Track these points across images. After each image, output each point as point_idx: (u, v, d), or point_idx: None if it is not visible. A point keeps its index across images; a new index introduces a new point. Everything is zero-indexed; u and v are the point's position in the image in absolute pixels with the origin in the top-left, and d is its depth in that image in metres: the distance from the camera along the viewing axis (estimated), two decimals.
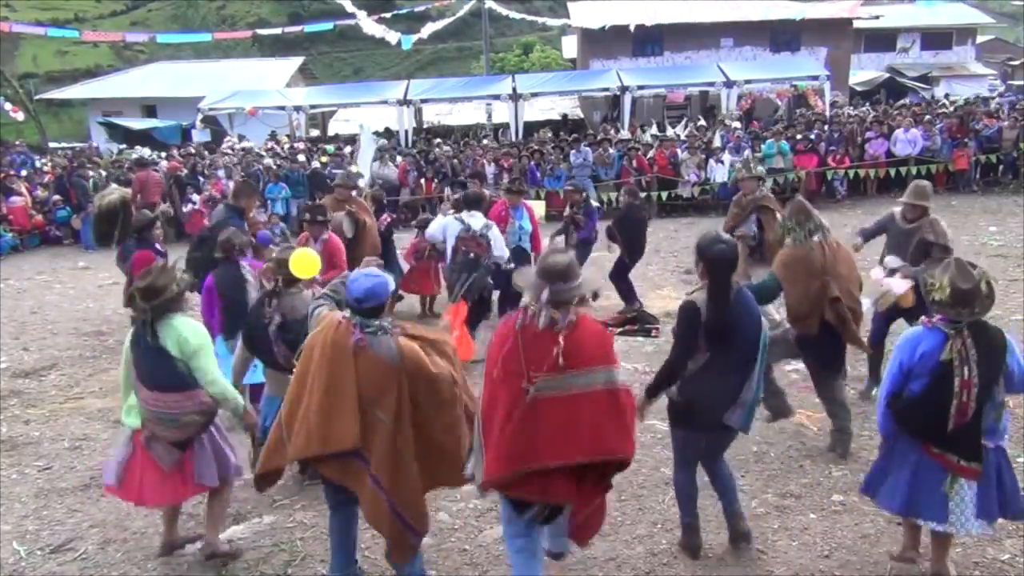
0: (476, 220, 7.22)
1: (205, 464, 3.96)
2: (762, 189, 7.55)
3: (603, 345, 3.22)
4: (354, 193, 8.29)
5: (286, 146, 20.21)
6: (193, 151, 19.25)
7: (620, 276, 8.58)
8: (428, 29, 25.89)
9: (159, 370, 3.81)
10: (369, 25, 24.10)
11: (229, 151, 19.45)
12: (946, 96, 23.30)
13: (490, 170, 16.30)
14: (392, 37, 24.51)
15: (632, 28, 24.89)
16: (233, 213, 6.68)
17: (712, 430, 3.83)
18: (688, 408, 3.78)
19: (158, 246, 7.25)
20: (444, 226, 7.43)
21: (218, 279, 5.55)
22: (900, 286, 5.29)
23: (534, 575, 3.36)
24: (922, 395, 3.48)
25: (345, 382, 3.35)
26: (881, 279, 5.53)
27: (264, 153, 18.87)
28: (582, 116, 26.64)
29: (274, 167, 16.31)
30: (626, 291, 8.62)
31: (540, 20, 31.15)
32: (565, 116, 26.49)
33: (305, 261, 4.56)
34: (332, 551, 3.78)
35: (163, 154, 19.36)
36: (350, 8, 23.51)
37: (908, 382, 3.53)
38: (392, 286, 3.56)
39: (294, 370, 3.58)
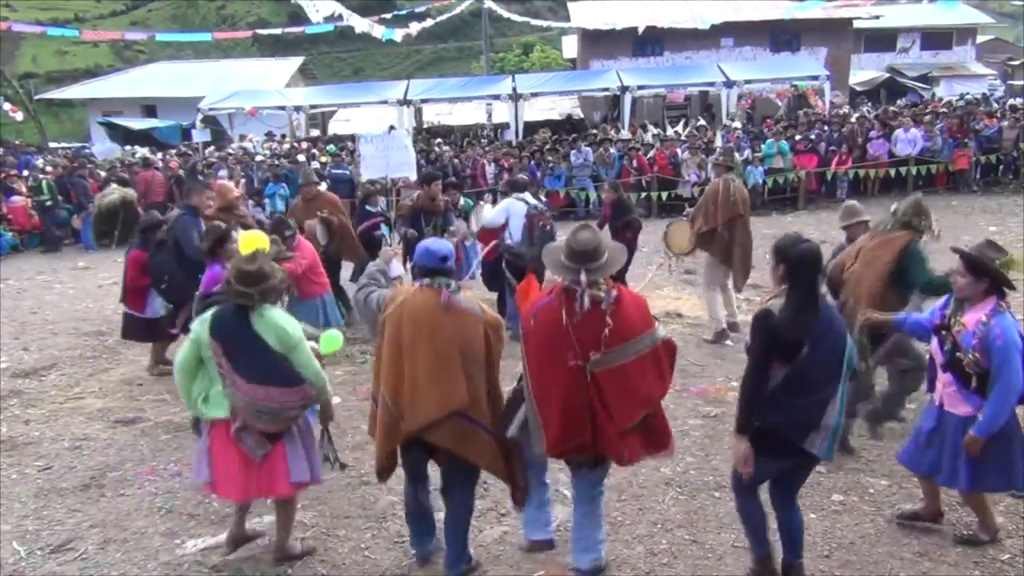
0: (532, 199, 7.80)
1: (298, 458, 3.90)
2: (732, 177, 7.60)
3: (644, 312, 3.43)
4: (324, 187, 8.44)
5: (285, 145, 20.22)
6: (186, 150, 19.27)
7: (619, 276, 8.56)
8: (417, 27, 25.79)
9: (263, 364, 3.73)
10: (357, 21, 24.03)
11: (231, 151, 19.48)
12: (962, 96, 23.25)
13: (490, 170, 16.32)
14: (378, 31, 24.46)
15: (640, 31, 24.82)
16: (188, 212, 6.72)
17: (790, 457, 3.44)
18: (765, 431, 3.40)
19: None
20: (506, 208, 7.66)
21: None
22: None
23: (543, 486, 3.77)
24: None
25: (447, 342, 3.52)
26: None
27: (260, 151, 18.90)
28: (582, 116, 26.65)
29: (269, 163, 16.32)
30: None
31: (544, 23, 31.17)
32: (570, 116, 26.45)
33: (250, 243, 4.68)
34: (412, 531, 3.97)
35: (162, 155, 19.37)
36: (339, 8, 23.40)
37: None
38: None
39: (380, 351, 3.67)
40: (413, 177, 13.27)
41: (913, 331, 4.21)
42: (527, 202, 7.66)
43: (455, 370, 3.51)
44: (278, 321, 3.80)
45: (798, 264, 3.33)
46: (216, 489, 3.96)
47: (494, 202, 9.72)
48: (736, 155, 9.62)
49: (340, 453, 5.39)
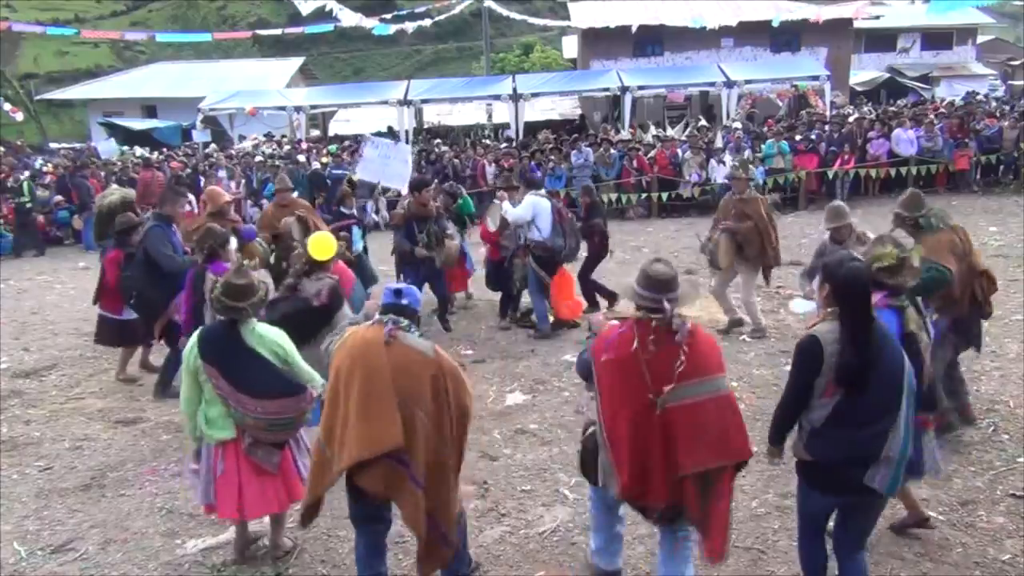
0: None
1: (304, 456, 3.98)
2: (751, 191, 7.74)
3: (717, 352, 3.33)
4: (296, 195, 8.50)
5: (286, 147, 20.24)
6: (190, 151, 19.31)
7: (585, 276, 8.64)
8: (412, 25, 25.88)
9: (269, 378, 3.80)
10: (347, 16, 24.05)
11: (234, 152, 19.52)
12: (967, 95, 23.16)
13: (490, 170, 16.33)
14: (369, 24, 24.48)
15: (634, 29, 24.85)
16: (161, 222, 6.50)
17: (850, 493, 3.17)
18: (823, 469, 3.19)
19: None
20: (532, 205, 7.68)
21: (195, 277, 5.57)
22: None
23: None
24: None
25: (381, 378, 3.26)
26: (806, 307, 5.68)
27: (260, 152, 18.92)
28: (583, 116, 26.67)
29: (268, 163, 16.33)
30: (591, 291, 8.62)
31: (541, 22, 31.18)
32: (582, 116, 26.39)
33: (321, 243, 5.00)
34: (359, 571, 3.62)
35: (155, 153, 19.40)
36: (329, 2, 23.39)
37: None
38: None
39: (325, 392, 3.49)
40: (404, 191, 13.28)
41: None
42: (549, 199, 7.84)
43: (388, 409, 3.23)
44: (271, 336, 3.87)
45: (846, 286, 3.11)
46: (226, 512, 3.94)
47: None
48: (752, 168, 9.75)
49: None
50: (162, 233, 6.37)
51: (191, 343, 3.89)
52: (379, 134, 17.40)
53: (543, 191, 8.06)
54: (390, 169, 10.59)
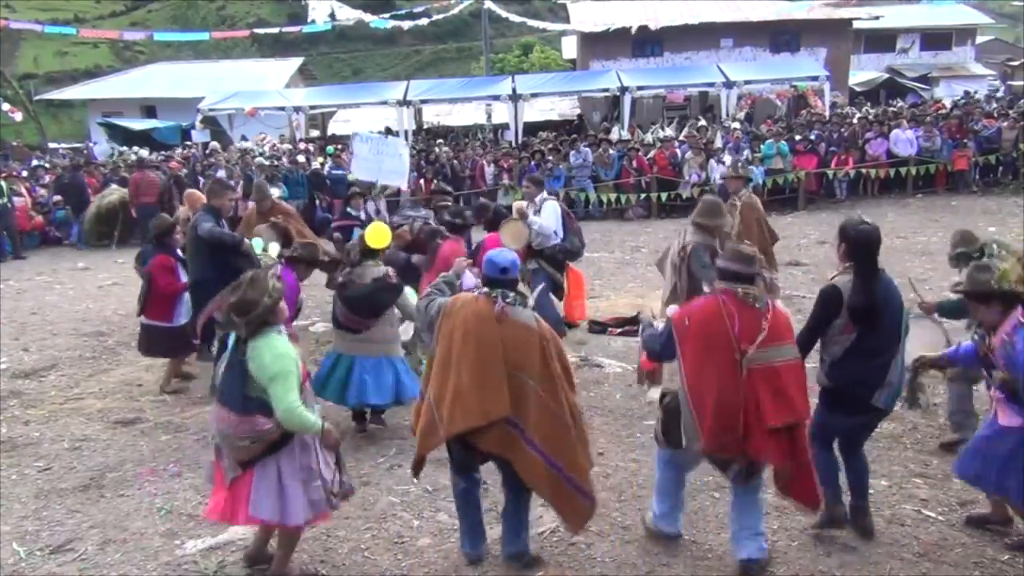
0: None
1: (263, 493, 3.64)
2: (747, 190, 7.68)
3: (789, 324, 3.79)
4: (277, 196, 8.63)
5: (285, 147, 20.22)
6: (188, 154, 19.31)
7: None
8: (409, 23, 26.06)
9: (229, 384, 3.66)
10: (346, 12, 24.15)
11: (237, 152, 19.54)
12: (966, 95, 23.13)
13: (489, 171, 16.33)
14: (368, 17, 24.63)
15: (633, 31, 24.86)
16: (210, 212, 6.66)
17: (860, 414, 3.90)
18: (840, 393, 3.88)
19: (178, 251, 6.91)
20: (555, 210, 7.55)
21: None
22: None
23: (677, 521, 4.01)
24: None
25: (493, 351, 3.59)
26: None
27: (257, 150, 18.94)
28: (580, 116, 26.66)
29: (267, 164, 16.36)
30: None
31: (541, 25, 31.25)
32: (580, 116, 26.36)
33: (377, 233, 5.38)
34: (464, 531, 4.00)
35: (158, 156, 19.39)
36: (335, 5, 23.51)
37: None
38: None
39: (435, 353, 3.76)
40: (404, 187, 13.19)
41: (965, 363, 4.16)
42: (555, 199, 7.82)
43: (498, 382, 3.56)
44: (263, 352, 3.59)
45: (856, 242, 3.81)
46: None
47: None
48: (745, 167, 9.68)
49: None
50: (211, 220, 6.59)
51: None
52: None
53: (545, 191, 7.96)
54: (385, 165, 10.42)
